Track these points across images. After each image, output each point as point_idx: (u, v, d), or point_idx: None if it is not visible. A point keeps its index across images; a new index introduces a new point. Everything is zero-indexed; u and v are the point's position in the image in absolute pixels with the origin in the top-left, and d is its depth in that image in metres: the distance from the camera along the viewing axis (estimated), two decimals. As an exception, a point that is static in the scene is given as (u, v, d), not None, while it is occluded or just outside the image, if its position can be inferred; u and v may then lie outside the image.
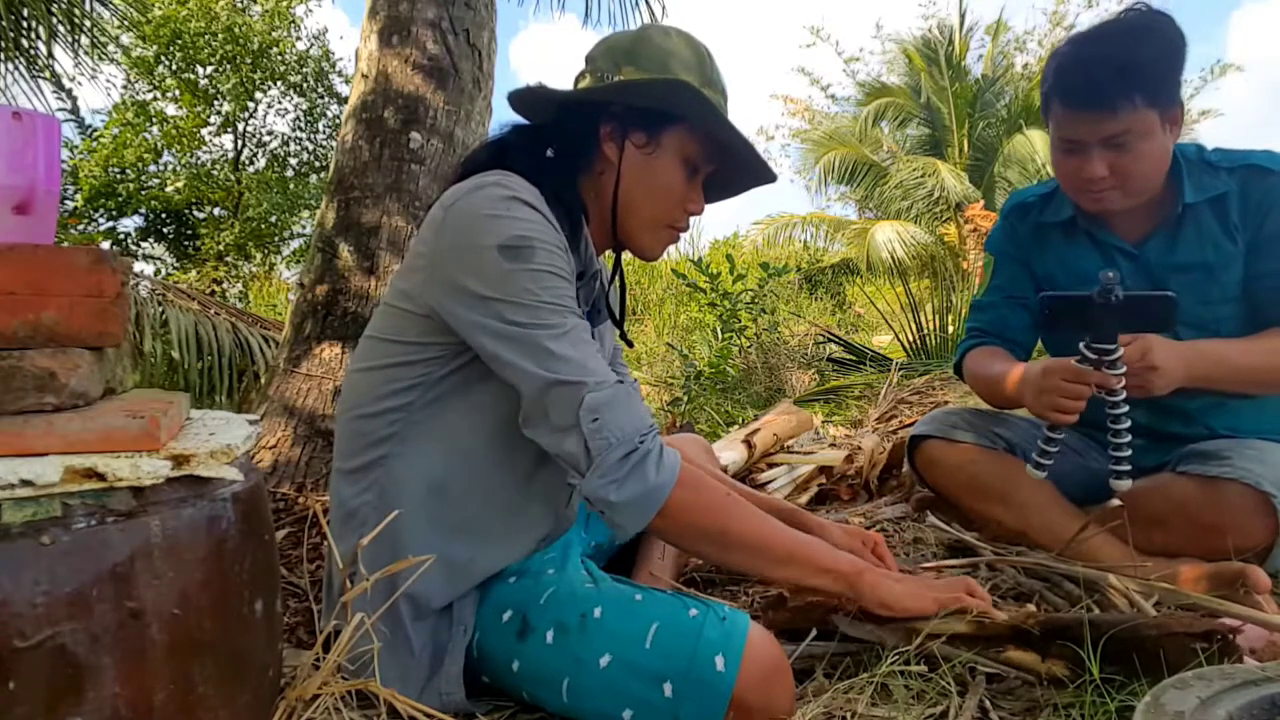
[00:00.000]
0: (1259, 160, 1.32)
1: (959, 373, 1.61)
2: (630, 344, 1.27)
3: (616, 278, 1.21)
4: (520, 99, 1.09)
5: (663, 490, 0.88)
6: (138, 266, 10.46)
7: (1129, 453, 1.22)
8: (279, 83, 11.37)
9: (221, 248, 10.52)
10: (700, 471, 0.95)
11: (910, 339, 4.86)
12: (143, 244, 11.32)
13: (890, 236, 11.81)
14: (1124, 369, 1.18)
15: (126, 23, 5.29)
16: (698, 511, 0.92)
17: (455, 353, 0.97)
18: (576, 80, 1.09)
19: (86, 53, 4.59)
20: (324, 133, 11.98)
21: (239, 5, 10.85)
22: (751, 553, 0.95)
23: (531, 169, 1.02)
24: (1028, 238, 1.53)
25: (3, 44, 4.14)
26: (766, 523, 0.96)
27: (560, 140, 1.06)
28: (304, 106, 11.76)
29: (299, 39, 11.44)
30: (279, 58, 11.10)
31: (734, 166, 1.10)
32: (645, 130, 1.03)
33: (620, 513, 0.88)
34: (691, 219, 1.09)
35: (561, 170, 1.05)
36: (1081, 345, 1.20)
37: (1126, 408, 1.20)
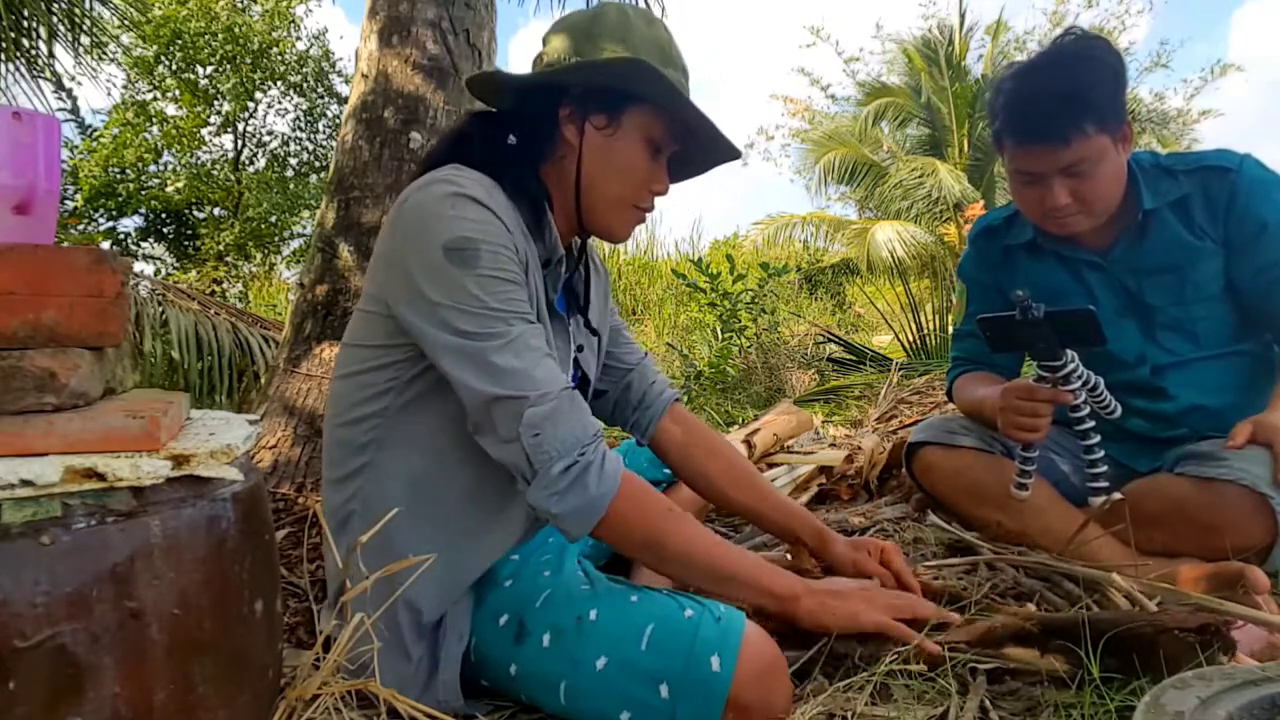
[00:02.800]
0: (1214, 160, 1.34)
1: (951, 398, 1.64)
2: (596, 333, 1.20)
3: (582, 264, 1.17)
4: (478, 85, 1.07)
5: (603, 501, 0.90)
6: (138, 266, 10.43)
7: (1104, 468, 1.23)
8: (279, 83, 11.35)
9: (221, 248, 10.50)
10: (642, 481, 0.96)
11: (910, 339, 4.85)
12: (143, 244, 11.29)
13: (890, 236, 11.80)
14: (1079, 384, 1.20)
15: (126, 23, 5.29)
16: (635, 523, 0.93)
17: (422, 353, 0.95)
18: (534, 63, 1.06)
19: (86, 52, 4.59)
20: (324, 133, 11.95)
21: (239, 5, 10.84)
22: (687, 567, 0.97)
23: (491, 158, 1.00)
24: (997, 260, 1.56)
25: (3, 44, 4.13)
26: (705, 540, 0.97)
27: (520, 126, 1.04)
28: (304, 106, 11.74)
29: (299, 39, 11.42)
30: (279, 58, 11.07)
31: (698, 145, 1.08)
32: (605, 111, 1.01)
33: (563, 522, 0.90)
34: (659, 200, 1.08)
35: (522, 157, 1.03)
36: (1035, 364, 1.22)
37: (1092, 423, 1.22)
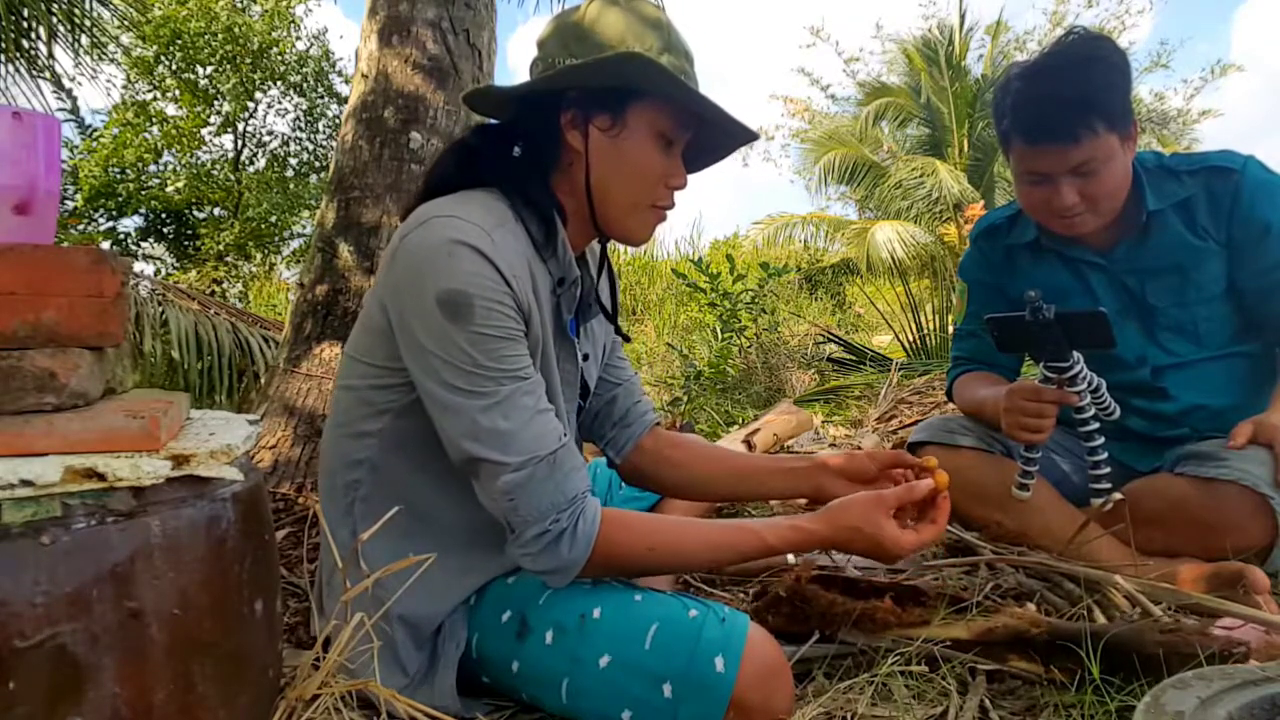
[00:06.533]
0: (1218, 161, 1.34)
1: (951, 398, 1.64)
2: (627, 338, 1.21)
3: (605, 270, 1.16)
4: (477, 100, 1.04)
5: (575, 564, 0.91)
6: (138, 266, 10.42)
7: (1106, 470, 1.23)
8: (279, 83, 11.34)
9: (221, 248, 10.49)
10: (623, 523, 0.94)
11: (910, 339, 4.85)
12: (143, 244, 11.28)
13: (890, 236, 11.80)
14: (1084, 385, 1.20)
15: (126, 23, 5.28)
16: (617, 568, 0.95)
17: None
18: (531, 69, 1.02)
19: (86, 53, 4.59)
20: (324, 133, 11.94)
21: (239, 5, 10.84)
22: (685, 569, 0.99)
23: (499, 174, 0.98)
24: (1000, 261, 1.56)
25: (3, 44, 4.13)
26: (694, 547, 0.97)
27: (524, 137, 1.01)
28: (304, 106, 11.73)
29: (299, 39, 11.42)
30: (279, 58, 11.07)
31: (712, 132, 1.02)
32: (607, 111, 0.96)
33: (542, 578, 0.94)
34: (677, 194, 1.03)
35: (530, 170, 0.99)
36: (1040, 365, 1.22)
37: (1096, 424, 1.21)
